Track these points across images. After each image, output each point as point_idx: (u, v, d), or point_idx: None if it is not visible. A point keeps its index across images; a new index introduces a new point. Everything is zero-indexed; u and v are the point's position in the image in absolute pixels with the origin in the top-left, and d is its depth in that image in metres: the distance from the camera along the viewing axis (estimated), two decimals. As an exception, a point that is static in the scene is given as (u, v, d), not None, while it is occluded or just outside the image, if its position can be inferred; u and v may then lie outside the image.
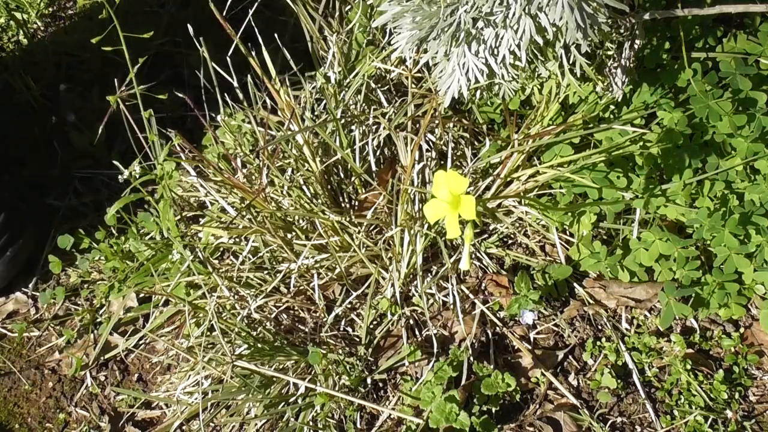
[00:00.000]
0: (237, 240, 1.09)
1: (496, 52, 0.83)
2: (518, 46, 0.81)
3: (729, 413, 0.95)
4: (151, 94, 1.02)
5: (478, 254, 1.06)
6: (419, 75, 1.12)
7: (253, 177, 1.09)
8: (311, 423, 0.97)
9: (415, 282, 1.04)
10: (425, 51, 0.87)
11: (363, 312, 1.04)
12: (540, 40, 0.82)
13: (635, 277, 1.03)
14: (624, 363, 1.00)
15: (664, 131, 1.01)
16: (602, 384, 0.98)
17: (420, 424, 0.95)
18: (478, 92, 0.96)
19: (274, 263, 1.06)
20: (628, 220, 1.05)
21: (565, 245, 1.06)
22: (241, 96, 1.11)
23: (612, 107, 1.06)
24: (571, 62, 0.88)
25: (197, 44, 1.03)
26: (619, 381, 0.98)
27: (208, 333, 0.98)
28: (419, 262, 1.03)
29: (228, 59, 1.05)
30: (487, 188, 1.05)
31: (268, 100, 1.12)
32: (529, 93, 0.97)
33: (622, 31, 0.91)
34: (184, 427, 1.01)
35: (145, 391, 1.05)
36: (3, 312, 1.14)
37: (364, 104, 1.12)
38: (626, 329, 1.03)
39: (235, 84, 1.08)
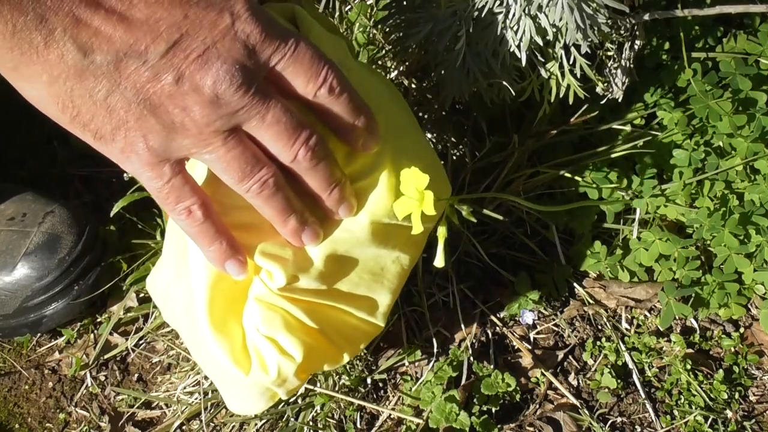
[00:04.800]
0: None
1: (496, 53, 0.83)
2: (518, 46, 0.81)
3: (729, 413, 0.95)
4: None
5: (478, 254, 1.06)
6: (419, 75, 1.12)
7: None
8: (311, 423, 0.97)
9: (415, 281, 1.04)
10: (426, 52, 0.87)
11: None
12: (540, 41, 0.82)
13: (635, 277, 1.03)
14: (624, 363, 1.00)
15: (663, 131, 1.02)
16: (602, 384, 0.98)
17: (420, 424, 0.95)
18: (478, 92, 0.96)
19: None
20: (628, 220, 1.05)
21: (565, 245, 1.06)
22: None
23: (612, 107, 1.06)
24: (571, 63, 0.88)
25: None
26: (619, 381, 0.98)
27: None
28: (419, 262, 1.03)
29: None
30: (488, 188, 1.05)
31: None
32: (529, 93, 0.97)
33: (622, 31, 0.91)
34: (184, 427, 1.01)
35: (145, 391, 1.05)
36: (3, 312, 1.14)
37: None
38: (626, 329, 1.03)
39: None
